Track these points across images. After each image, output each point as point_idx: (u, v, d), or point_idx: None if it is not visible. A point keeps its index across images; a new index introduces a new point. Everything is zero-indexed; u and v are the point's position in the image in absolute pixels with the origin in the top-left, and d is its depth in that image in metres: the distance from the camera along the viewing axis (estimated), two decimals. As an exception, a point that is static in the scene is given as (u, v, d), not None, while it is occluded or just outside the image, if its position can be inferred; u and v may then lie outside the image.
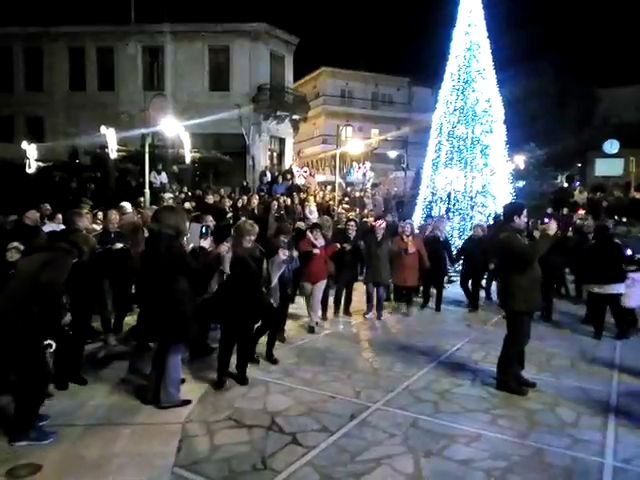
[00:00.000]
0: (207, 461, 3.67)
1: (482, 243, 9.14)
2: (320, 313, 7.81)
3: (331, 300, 8.44)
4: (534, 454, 3.87)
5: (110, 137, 13.36)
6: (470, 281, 9.32)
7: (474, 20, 15.46)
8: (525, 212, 5.15)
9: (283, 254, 5.45)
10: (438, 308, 9.10)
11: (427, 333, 7.60)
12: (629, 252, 7.37)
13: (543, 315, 8.15)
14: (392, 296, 9.49)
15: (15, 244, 5.42)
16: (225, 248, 4.99)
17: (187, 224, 4.79)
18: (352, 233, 8.35)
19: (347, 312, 8.48)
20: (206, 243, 4.78)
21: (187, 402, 4.61)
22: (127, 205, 6.66)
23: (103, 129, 13.50)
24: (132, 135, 15.56)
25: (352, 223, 8.64)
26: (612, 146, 23.05)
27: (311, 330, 7.34)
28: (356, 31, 65.15)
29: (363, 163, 25.47)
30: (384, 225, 8.67)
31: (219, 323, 5.33)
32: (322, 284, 7.52)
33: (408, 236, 8.50)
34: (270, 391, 5.01)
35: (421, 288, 9.50)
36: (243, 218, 6.57)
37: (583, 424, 4.44)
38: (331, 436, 4.07)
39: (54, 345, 4.15)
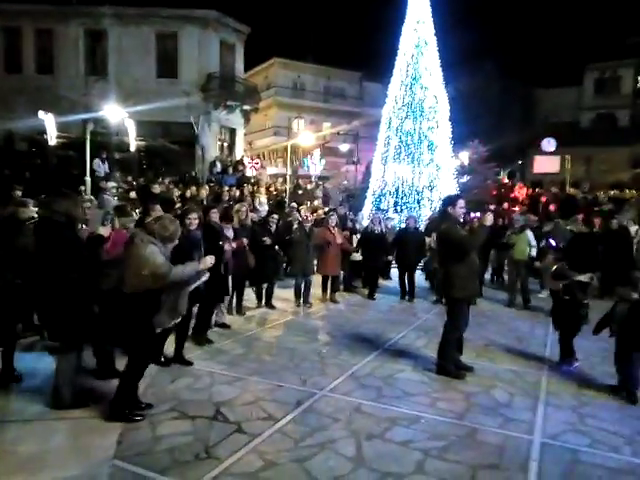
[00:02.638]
0: (149, 452, 3.61)
1: (414, 234, 9.60)
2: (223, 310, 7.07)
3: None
4: (469, 434, 4.07)
5: (49, 123, 12.70)
6: (405, 272, 9.52)
7: (422, 17, 15.81)
8: (461, 203, 5.36)
9: (229, 245, 4.70)
10: (372, 297, 9.36)
11: (374, 322, 7.77)
12: (553, 243, 7.82)
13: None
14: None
15: None
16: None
17: (82, 210, 4.47)
18: (273, 227, 8.23)
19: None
20: (105, 231, 4.55)
21: (85, 404, 4.23)
22: (29, 201, 5.89)
23: (41, 114, 12.81)
24: (73, 121, 14.87)
25: (275, 216, 8.54)
26: (549, 144, 24.22)
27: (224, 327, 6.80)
28: (309, 23, 64.99)
29: (312, 155, 25.45)
30: (312, 217, 8.89)
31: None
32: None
33: (334, 227, 8.70)
34: (216, 382, 4.98)
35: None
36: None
37: (515, 405, 4.70)
38: (276, 423, 4.11)
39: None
